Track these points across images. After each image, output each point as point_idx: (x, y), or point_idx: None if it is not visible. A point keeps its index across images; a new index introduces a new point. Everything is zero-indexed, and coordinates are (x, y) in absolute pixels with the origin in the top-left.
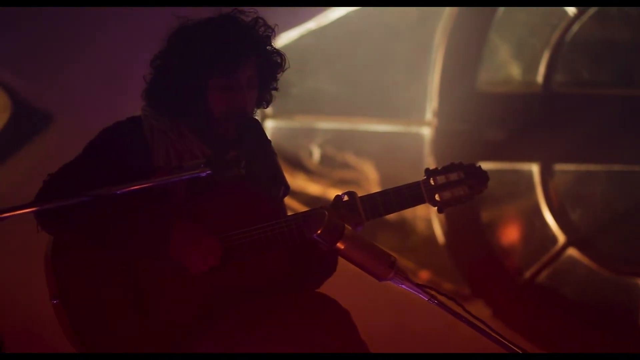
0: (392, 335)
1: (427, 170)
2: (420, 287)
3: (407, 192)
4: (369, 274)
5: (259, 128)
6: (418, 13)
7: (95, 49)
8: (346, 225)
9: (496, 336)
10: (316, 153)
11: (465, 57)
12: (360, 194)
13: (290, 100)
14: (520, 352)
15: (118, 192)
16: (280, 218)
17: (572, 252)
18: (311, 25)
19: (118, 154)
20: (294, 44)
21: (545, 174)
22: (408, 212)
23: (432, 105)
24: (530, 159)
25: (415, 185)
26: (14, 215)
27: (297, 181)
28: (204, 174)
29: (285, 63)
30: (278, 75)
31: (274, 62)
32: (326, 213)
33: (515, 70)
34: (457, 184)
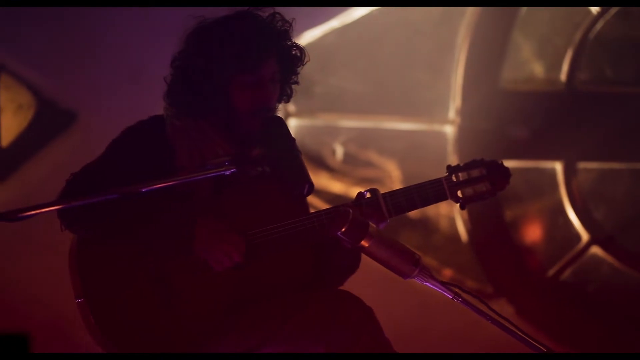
0: (414, 334)
1: (449, 167)
2: (444, 284)
3: (430, 189)
4: (394, 271)
5: (283, 126)
6: (441, 11)
7: (119, 47)
8: (370, 223)
9: (520, 334)
10: (339, 151)
11: (488, 55)
12: (382, 192)
13: (314, 98)
14: (545, 350)
15: (143, 190)
16: (304, 216)
17: (595, 250)
18: (334, 23)
19: (141, 153)
20: (317, 43)
21: (569, 172)
22: (431, 210)
23: (455, 103)
24: (553, 157)
25: (437, 181)
26: (38, 213)
27: (320, 179)
28: (228, 172)
29: (305, 56)
30: (298, 69)
31: (294, 56)
32: (351, 211)
33: (538, 69)
34: (479, 180)
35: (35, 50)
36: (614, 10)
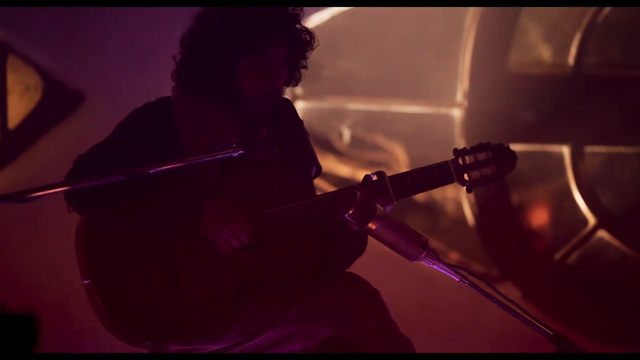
0: (420, 317)
1: (455, 150)
2: (451, 267)
3: (436, 172)
4: (401, 254)
5: (291, 108)
6: None
7: (127, 28)
8: (378, 206)
9: (527, 317)
10: (346, 134)
11: (496, 38)
12: (389, 174)
13: (321, 81)
14: (551, 333)
15: (150, 172)
16: (311, 198)
17: (602, 234)
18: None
19: (148, 135)
20: (325, 25)
21: (576, 155)
22: (438, 194)
23: (462, 86)
24: (561, 140)
25: (444, 164)
26: (46, 194)
27: (327, 162)
28: (236, 154)
29: (314, 41)
30: (307, 54)
31: (304, 40)
32: (358, 193)
33: (546, 52)
34: (486, 163)
35: (42, 32)
36: None
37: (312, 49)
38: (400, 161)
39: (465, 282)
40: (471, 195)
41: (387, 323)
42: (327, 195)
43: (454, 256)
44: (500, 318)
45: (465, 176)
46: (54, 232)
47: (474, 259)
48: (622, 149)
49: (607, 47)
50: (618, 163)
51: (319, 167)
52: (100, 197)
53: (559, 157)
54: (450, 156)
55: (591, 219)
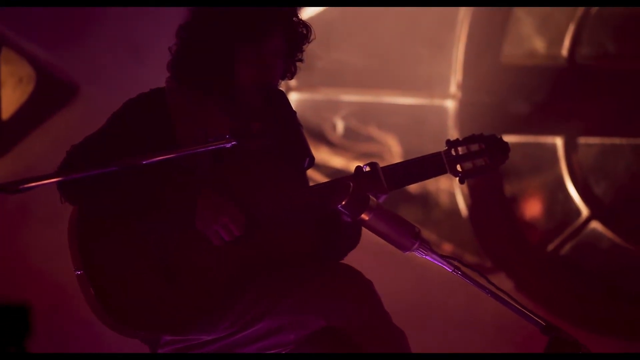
0: (413, 308)
1: (448, 141)
2: (444, 258)
3: (429, 162)
4: (393, 245)
5: (284, 99)
6: None
7: (121, 20)
8: (371, 197)
9: (519, 307)
10: (340, 126)
11: (489, 30)
12: (382, 166)
13: (315, 72)
14: (544, 324)
15: (144, 163)
16: (304, 189)
17: (595, 225)
18: None
19: (142, 126)
20: (319, 17)
21: (569, 147)
22: (431, 185)
23: (456, 78)
24: (554, 132)
25: (437, 155)
26: (39, 185)
27: (320, 154)
28: (229, 145)
29: (310, 34)
30: (304, 47)
31: (300, 33)
32: (351, 184)
33: (539, 44)
34: (478, 154)
35: (36, 23)
36: None
37: (309, 42)
38: (394, 152)
39: (457, 273)
40: (464, 186)
41: (380, 314)
42: (320, 186)
43: (447, 247)
44: (493, 309)
45: (458, 167)
46: (47, 223)
47: (467, 250)
48: (616, 140)
49: (600, 38)
50: (611, 154)
51: (312, 158)
52: (93, 188)
53: (552, 149)
54: (444, 147)
55: (584, 210)
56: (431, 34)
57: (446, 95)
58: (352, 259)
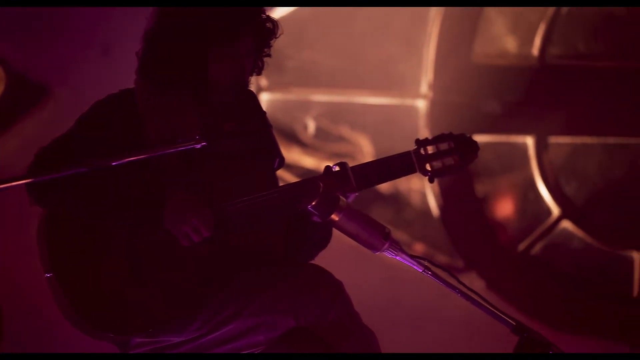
0: (384, 308)
1: (417, 140)
2: (414, 258)
3: (398, 162)
4: (364, 245)
5: (254, 100)
6: None
7: (91, 20)
8: (341, 197)
9: (489, 307)
10: (311, 126)
11: (461, 29)
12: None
13: (286, 72)
14: (514, 323)
15: (114, 164)
16: (274, 189)
17: (566, 224)
18: None
19: (110, 127)
20: (291, 16)
21: (540, 146)
22: (402, 185)
23: (427, 77)
24: (525, 131)
25: (406, 154)
26: (7, 187)
27: (292, 154)
28: (199, 146)
29: (278, 30)
30: (271, 42)
31: (268, 29)
32: (321, 184)
33: (511, 43)
34: (448, 153)
35: (5, 24)
36: None
37: (276, 38)
38: (365, 152)
39: (427, 273)
40: (436, 186)
41: (350, 314)
42: (290, 186)
43: (418, 247)
44: (464, 309)
45: (427, 166)
46: (16, 225)
47: (439, 249)
48: (586, 140)
49: (571, 37)
50: (582, 154)
51: (282, 159)
52: (63, 190)
53: (523, 148)
54: (414, 147)
55: (555, 210)
56: (402, 34)
57: (417, 95)
58: (323, 259)
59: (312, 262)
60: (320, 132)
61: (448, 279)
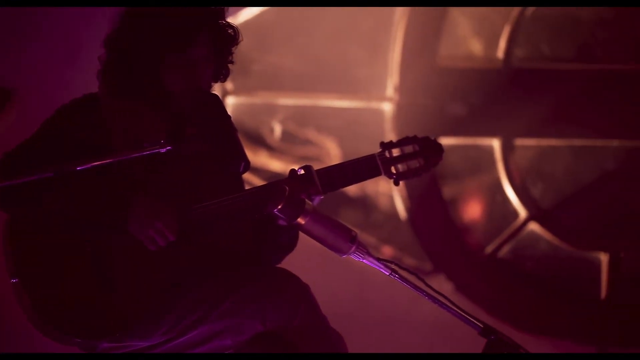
0: (353, 311)
1: (382, 143)
2: (381, 261)
3: (363, 164)
4: (330, 249)
5: (218, 103)
6: None
7: (57, 24)
8: (307, 201)
9: (457, 310)
10: (277, 129)
11: (426, 32)
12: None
13: (251, 76)
14: (481, 326)
15: (78, 169)
16: (240, 192)
17: (533, 226)
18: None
19: (75, 132)
20: (255, 20)
21: (507, 149)
22: (370, 188)
23: (393, 80)
24: (491, 134)
25: (371, 157)
26: None
27: (259, 158)
28: (163, 150)
29: (239, 36)
30: (233, 49)
31: (228, 35)
32: (287, 188)
33: (476, 45)
34: (412, 156)
35: None
36: None
37: (237, 44)
38: (332, 155)
39: (395, 276)
40: (403, 189)
41: (317, 317)
42: (255, 189)
43: (387, 250)
44: (433, 312)
45: (392, 169)
46: None
47: (407, 252)
48: (553, 142)
49: (535, 40)
50: (548, 156)
51: (248, 162)
52: (27, 195)
53: (490, 151)
54: (379, 150)
55: (522, 212)
56: (367, 37)
57: (383, 97)
58: (289, 262)
59: (279, 265)
60: (286, 136)
61: (416, 282)
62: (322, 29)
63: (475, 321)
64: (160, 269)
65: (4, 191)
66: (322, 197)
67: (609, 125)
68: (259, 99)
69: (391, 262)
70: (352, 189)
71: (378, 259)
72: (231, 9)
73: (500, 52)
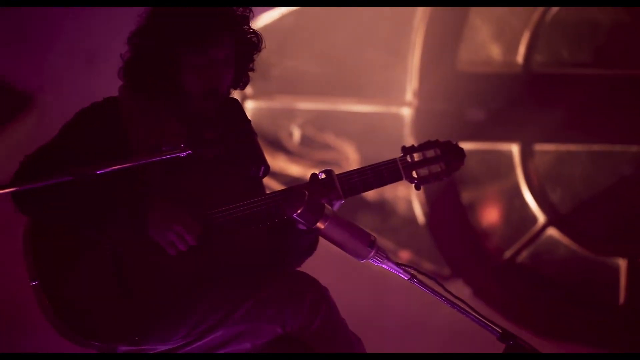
0: (372, 315)
1: (403, 148)
2: (400, 266)
3: (384, 169)
4: (349, 253)
5: (238, 107)
6: None
7: (76, 27)
8: (326, 205)
9: (475, 315)
10: (296, 134)
11: (445, 37)
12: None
13: (271, 80)
14: (500, 331)
15: (98, 172)
16: (260, 197)
17: (552, 232)
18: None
19: (94, 135)
20: (275, 24)
21: (526, 154)
22: (388, 193)
23: (412, 85)
24: (510, 139)
25: (392, 162)
26: None
27: (277, 162)
28: (183, 154)
29: (261, 44)
30: (254, 56)
31: (251, 42)
32: (306, 192)
33: (495, 50)
34: (434, 160)
35: None
36: None
37: (259, 51)
38: (351, 160)
39: (414, 281)
40: (421, 194)
41: (336, 321)
42: (275, 194)
43: (405, 255)
44: (451, 316)
45: (414, 174)
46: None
47: (425, 257)
48: (571, 147)
49: (555, 45)
50: (567, 161)
51: (267, 167)
52: (47, 198)
53: (509, 156)
54: (400, 154)
55: (541, 217)
56: (387, 41)
57: (402, 102)
58: (309, 266)
59: (298, 269)
60: (305, 140)
61: (434, 287)
62: (342, 34)
63: (493, 326)
64: (180, 273)
65: (24, 194)
66: (342, 201)
67: (628, 130)
68: (278, 103)
69: (410, 267)
70: (370, 194)
71: (397, 264)
72: (253, 14)
73: (519, 57)
